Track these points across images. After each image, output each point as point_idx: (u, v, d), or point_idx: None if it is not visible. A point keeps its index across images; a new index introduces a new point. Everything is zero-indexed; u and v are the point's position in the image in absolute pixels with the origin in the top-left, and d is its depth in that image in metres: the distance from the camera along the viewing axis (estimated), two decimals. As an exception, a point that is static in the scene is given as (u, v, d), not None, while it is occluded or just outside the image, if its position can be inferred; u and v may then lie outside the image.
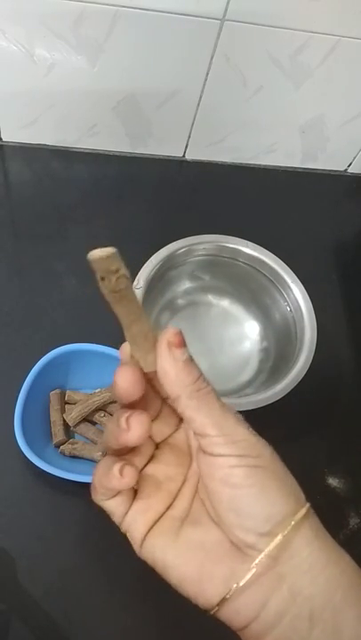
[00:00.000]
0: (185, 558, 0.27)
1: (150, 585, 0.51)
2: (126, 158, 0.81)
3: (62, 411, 0.56)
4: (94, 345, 0.56)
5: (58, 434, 0.55)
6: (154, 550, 0.27)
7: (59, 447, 0.55)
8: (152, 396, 0.29)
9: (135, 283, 0.58)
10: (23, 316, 0.64)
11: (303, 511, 0.25)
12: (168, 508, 0.28)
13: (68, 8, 0.60)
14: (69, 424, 0.55)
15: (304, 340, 0.58)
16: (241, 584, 0.25)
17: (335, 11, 0.63)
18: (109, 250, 0.24)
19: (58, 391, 0.57)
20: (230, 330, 0.67)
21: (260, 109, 0.76)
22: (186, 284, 0.67)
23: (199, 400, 0.26)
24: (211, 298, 0.68)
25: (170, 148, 0.82)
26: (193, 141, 0.80)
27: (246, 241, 0.64)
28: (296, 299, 0.61)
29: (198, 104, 0.74)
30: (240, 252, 0.64)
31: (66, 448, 0.54)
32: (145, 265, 0.59)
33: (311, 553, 0.25)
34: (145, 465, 0.30)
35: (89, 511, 0.53)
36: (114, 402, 0.57)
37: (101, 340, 0.57)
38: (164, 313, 0.65)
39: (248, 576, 0.25)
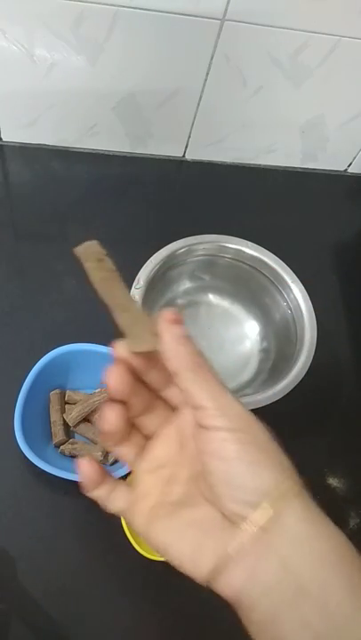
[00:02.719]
0: (180, 536, 0.28)
1: (150, 585, 0.51)
2: (126, 158, 0.81)
3: (62, 411, 0.56)
4: (94, 345, 0.56)
5: (58, 434, 0.55)
6: (156, 535, 0.28)
7: (59, 447, 0.55)
8: (143, 392, 0.31)
9: (135, 283, 0.58)
10: (23, 316, 0.64)
11: (289, 483, 0.26)
12: (164, 494, 0.29)
13: (68, 8, 0.60)
14: (69, 424, 0.55)
15: (304, 340, 0.58)
16: (229, 550, 0.26)
17: (335, 11, 0.63)
18: (92, 242, 0.28)
19: (58, 391, 0.57)
20: (230, 330, 0.67)
21: (260, 109, 0.76)
22: (186, 284, 0.67)
23: (197, 374, 0.27)
24: (211, 298, 0.68)
25: (170, 148, 0.82)
26: (193, 141, 0.80)
27: (246, 241, 0.64)
28: (296, 299, 0.61)
29: (198, 104, 0.74)
30: (240, 252, 0.64)
31: (66, 448, 0.54)
32: (145, 265, 0.59)
33: (301, 527, 0.26)
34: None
35: (89, 511, 0.53)
36: (114, 402, 0.57)
37: (101, 339, 0.57)
38: (164, 313, 0.65)
39: (236, 544, 0.25)
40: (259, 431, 0.27)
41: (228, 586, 0.26)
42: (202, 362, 0.28)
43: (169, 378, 0.29)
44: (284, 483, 0.26)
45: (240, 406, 0.27)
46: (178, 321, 0.28)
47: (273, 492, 0.25)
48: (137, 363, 0.29)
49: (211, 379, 0.27)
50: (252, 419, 0.27)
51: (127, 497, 0.30)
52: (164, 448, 0.31)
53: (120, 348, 0.29)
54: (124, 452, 0.31)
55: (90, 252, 0.28)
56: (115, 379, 0.28)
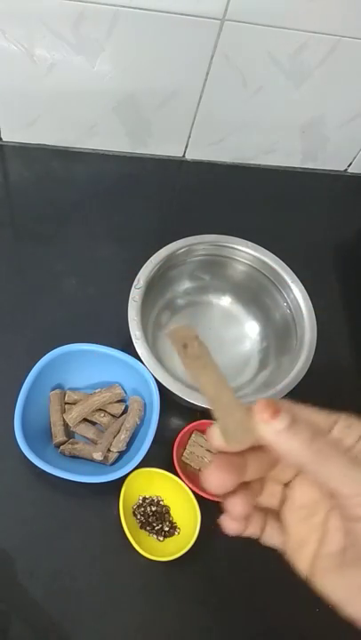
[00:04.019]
0: (355, 596, 0.25)
1: (150, 585, 0.51)
2: (126, 158, 0.81)
3: (62, 411, 0.56)
4: (94, 345, 0.56)
5: (58, 434, 0.55)
6: (327, 589, 0.25)
7: (59, 447, 0.55)
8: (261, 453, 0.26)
9: (135, 283, 0.58)
10: (23, 316, 0.64)
11: None
12: (323, 544, 0.26)
13: (68, 8, 0.60)
14: (69, 424, 0.55)
15: (304, 340, 0.58)
16: None
17: (335, 11, 0.63)
18: (181, 326, 0.26)
19: (58, 391, 0.57)
20: (230, 330, 0.67)
21: (260, 109, 0.76)
22: (186, 284, 0.67)
23: (320, 464, 0.23)
24: (211, 298, 0.68)
25: (170, 148, 0.82)
26: (193, 141, 0.80)
27: (246, 241, 0.64)
28: (296, 299, 0.61)
29: (198, 104, 0.74)
30: (240, 252, 0.64)
31: (66, 448, 0.54)
32: (145, 265, 0.59)
33: None
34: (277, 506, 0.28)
35: (89, 511, 0.53)
36: (114, 402, 0.57)
37: (101, 340, 0.57)
38: (164, 313, 0.65)
39: None
40: None
41: None
42: (320, 446, 0.23)
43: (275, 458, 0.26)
44: None
45: None
46: (275, 412, 0.23)
47: None
48: (236, 459, 0.25)
49: (337, 463, 0.23)
50: None
51: (280, 536, 0.28)
52: (307, 493, 0.27)
53: (216, 441, 0.25)
54: (250, 531, 0.27)
55: (184, 333, 0.26)
56: (215, 483, 0.24)
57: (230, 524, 0.26)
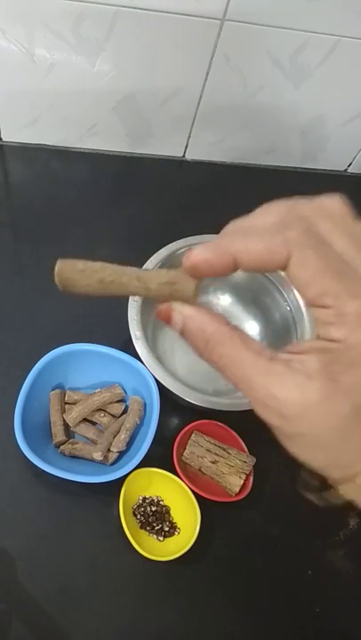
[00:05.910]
0: None
1: (150, 585, 0.51)
2: (126, 158, 0.81)
3: (62, 411, 0.56)
4: (94, 345, 0.56)
5: (58, 434, 0.55)
6: None
7: (59, 447, 0.55)
8: None
9: (135, 283, 0.58)
10: (23, 316, 0.64)
11: None
12: None
13: (68, 8, 0.60)
14: (69, 424, 0.55)
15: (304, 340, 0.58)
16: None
17: (335, 11, 0.63)
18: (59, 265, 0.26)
19: (58, 391, 0.57)
20: (230, 330, 0.67)
21: (260, 109, 0.76)
22: (186, 284, 0.67)
23: (216, 364, 0.25)
24: (211, 298, 0.68)
25: (170, 148, 0.82)
26: (193, 141, 0.80)
27: (246, 241, 0.64)
28: (296, 299, 0.61)
29: (198, 104, 0.74)
30: (240, 251, 0.64)
31: (66, 448, 0.54)
32: (145, 265, 0.59)
33: None
34: None
35: (88, 511, 0.53)
36: (114, 402, 0.57)
37: (101, 340, 0.57)
38: (164, 313, 0.65)
39: None
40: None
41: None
42: (216, 347, 0.25)
43: None
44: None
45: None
46: (167, 321, 0.26)
47: None
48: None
49: (242, 358, 0.25)
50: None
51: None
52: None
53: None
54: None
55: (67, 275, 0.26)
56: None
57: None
